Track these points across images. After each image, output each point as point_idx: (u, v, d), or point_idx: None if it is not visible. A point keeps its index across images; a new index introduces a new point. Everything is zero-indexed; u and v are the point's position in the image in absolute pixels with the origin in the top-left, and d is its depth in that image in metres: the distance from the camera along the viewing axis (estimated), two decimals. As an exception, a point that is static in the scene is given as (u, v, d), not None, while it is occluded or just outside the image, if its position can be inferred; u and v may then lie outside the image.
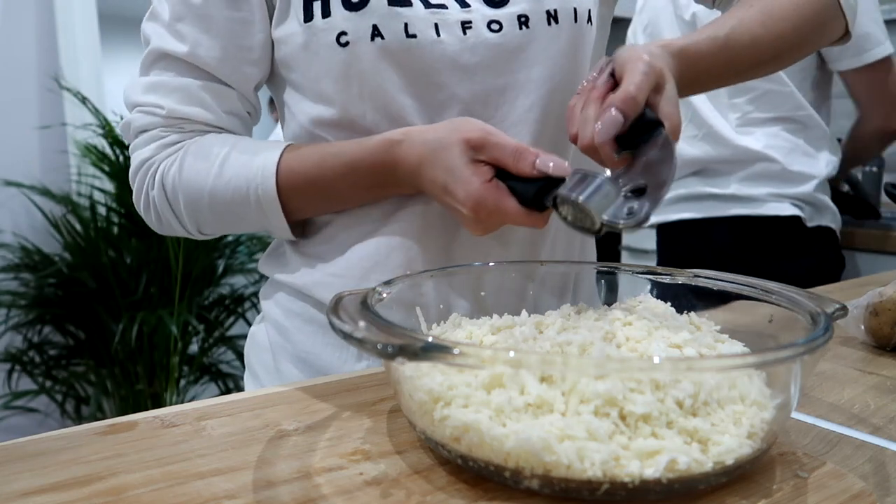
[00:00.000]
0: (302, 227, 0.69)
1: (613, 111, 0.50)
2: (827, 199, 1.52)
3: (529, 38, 0.62)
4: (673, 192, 1.61)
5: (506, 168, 0.54)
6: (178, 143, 0.65)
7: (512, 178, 0.54)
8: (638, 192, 0.49)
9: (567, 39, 0.63)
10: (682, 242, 1.62)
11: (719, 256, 1.51)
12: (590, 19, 0.65)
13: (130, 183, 0.68)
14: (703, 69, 0.61)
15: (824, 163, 1.51)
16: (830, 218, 1.52)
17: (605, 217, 0.48)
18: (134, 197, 0.68)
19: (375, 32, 0.59)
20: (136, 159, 0.66)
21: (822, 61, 1.53)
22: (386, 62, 0.60)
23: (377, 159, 0.59)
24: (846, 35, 0.73)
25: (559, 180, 0.52)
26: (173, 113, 0.64)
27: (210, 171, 0.62)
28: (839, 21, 0.71)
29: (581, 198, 0.49)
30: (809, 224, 1.48)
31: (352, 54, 0.59)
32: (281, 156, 0.62)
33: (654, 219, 1.67)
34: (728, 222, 1.51)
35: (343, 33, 0.59)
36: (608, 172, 0.52)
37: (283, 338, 0.70)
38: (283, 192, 0.62)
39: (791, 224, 1.48)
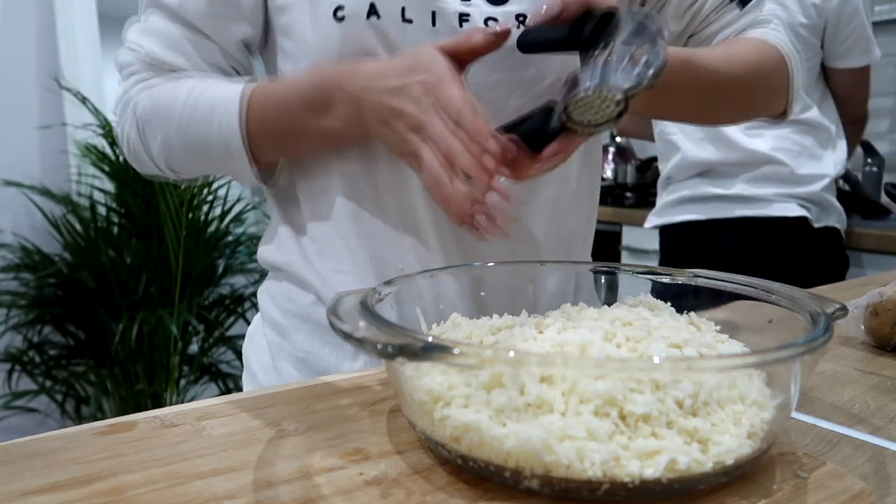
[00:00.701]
0: (271, 175, 0.68)
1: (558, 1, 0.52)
2: (833, 199, 1.53)
3: None
4: (676, 193, 1.61)
5: (458, 50, 0.53)
6: (155, 81, 0.66)
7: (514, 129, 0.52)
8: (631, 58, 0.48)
9: None
10: (685, 245, 1.61)
11: (724, 258, 1.51)
12: None
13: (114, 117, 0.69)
14: (667, 79, 0.60)
15: (832, 163, 1.52)
16: (836, 218, 1.53)
17: (626, 85, 0.46)
18: (116, 132, 0.69)
19: (372, 11, 0.59)
20: (119, 95, 0.67)
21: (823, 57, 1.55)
22: (378, 41, 0.60)
23: (335, 69, 0.58)
24: (783, 114, 0.75)
25: (547, 114, 0.51)
26: (153, 54, 0.65)
27: (178, 98, 0.63)
28: (784, 98, 0.73)
29: (591, 83, 0.47)
30: (816, 225, 1.48)
31: (347, 30, 0.59)
32: (257, 82, 0.62)
33: (657, 220, 1.67)
34: (734, 223, 1.51)
35: (340, 7, 0.59)
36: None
37: (281, 337, 0.70)
38: (250, 115, 0.61)
39: (798, 225, 1.48)
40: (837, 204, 1.53)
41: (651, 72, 0.46)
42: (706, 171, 1.57)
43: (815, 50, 1.52)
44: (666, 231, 1.67)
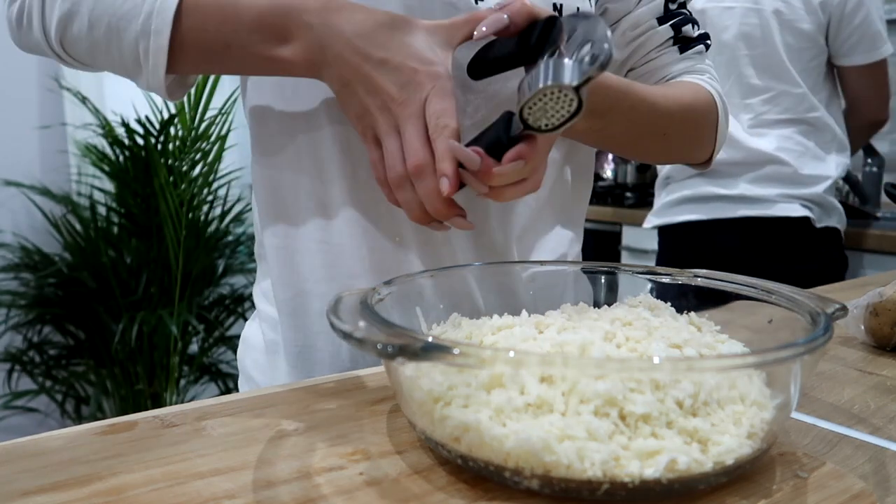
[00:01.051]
0: (180, 83, 0.61)
1: (504, 16, 0.52)
2: (835, 200, 1.52)
3: None
4: (677, 193, 1.61)
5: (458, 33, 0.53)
6: None
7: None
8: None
9: None
10: (685, 245, 1.60)
11: (725, 259, 1.50)
12: None
13: None
14: (612, 98, 0.60)
15: (834, 165, 1.51)
16: (837, 219, 1.53)
17: (574, 81, 0.46)
18: None
19: None
20: None
21: (829, 55, 1.54)
22: (395, 4, 0.59)
23: None
24: (707, 163, 0.76)
25: (506, 123, 0.51)
26: None
27: None
28: (710, 146, 0.74)
29: (541, 84, 0.46)
30: (818, 225, 1.48)
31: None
32: None
33: (657, 220, 1.66)
34: (735, 224, 1.50)
35: None
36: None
37: (278, 334, 0.69)
38: (188, 16, 0.54)
39: (800, 225, 1.48)
40: (839, 204, 1.53)
41: (598, 63, 0.45)
42: (707, 171, 1.56)
43: (820, 48, 1.49)
44: (665, 231, 1.66)
